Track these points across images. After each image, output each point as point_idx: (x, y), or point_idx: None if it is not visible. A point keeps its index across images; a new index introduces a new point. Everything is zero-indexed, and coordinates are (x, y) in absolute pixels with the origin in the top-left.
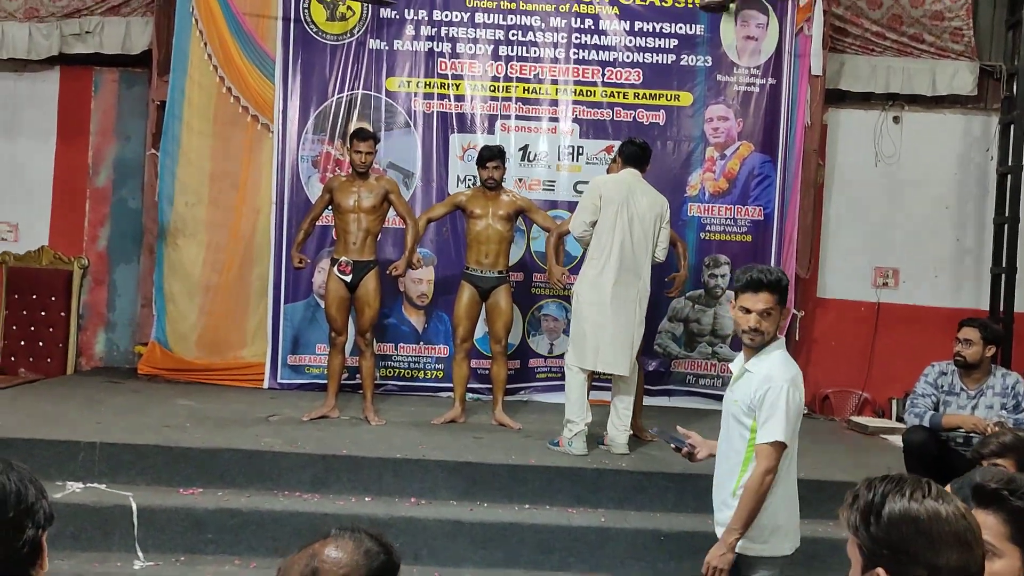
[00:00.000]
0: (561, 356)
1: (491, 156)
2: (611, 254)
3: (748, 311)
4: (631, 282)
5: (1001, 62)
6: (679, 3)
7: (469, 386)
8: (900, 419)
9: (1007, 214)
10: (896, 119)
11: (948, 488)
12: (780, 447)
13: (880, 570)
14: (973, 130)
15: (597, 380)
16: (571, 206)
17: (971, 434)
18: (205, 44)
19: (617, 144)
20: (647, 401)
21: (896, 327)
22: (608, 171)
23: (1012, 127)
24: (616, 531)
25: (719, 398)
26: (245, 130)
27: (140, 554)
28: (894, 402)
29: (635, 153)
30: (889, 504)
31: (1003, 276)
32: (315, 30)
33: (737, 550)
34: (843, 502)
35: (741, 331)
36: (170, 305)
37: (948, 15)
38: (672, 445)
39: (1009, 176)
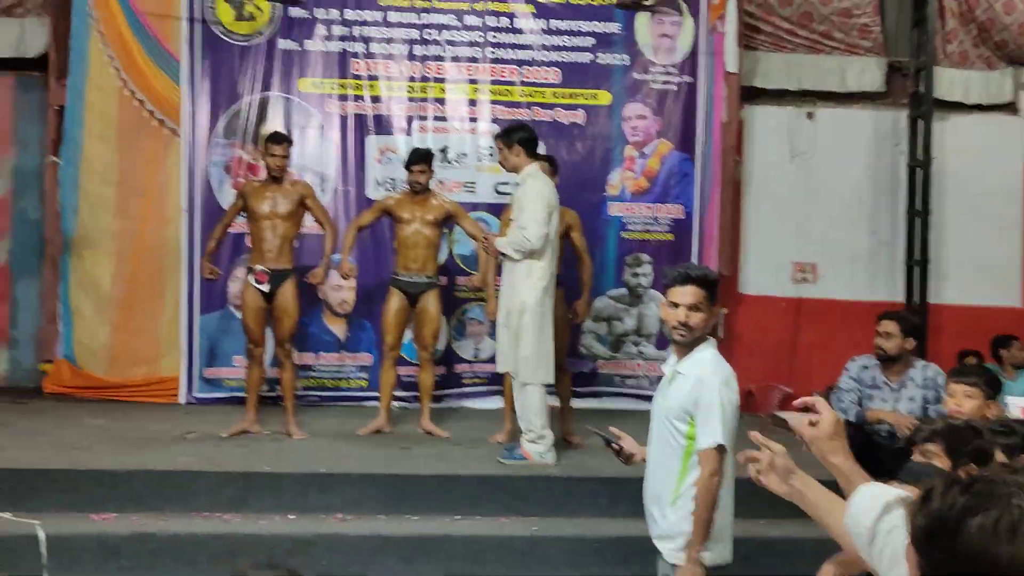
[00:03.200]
0: (487, 361)
1: (416, 160)
2: (553, 261)
3: (676, 305)
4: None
5: (908, 58)
6: (595, 1)
7: (394, 394)
8: None
9: (919, 207)
10: (810, 115)
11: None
12: (722, 450)
13: None
14: (883, 125)
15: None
16: (492, 208)
17: (895, 429)
18: (106, 46)
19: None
20: (575, 404)
21: (816, 321)
22: (509, 162)
23: (921, 121)
24: (548, 539)
25: (648, 398)
26: (151, 135)
27: None
28: (816, 396)
29: (535, 140)
30: (967, 527)
31: (917, 268)
32: (222, 30)
33: (676, 561)
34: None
35: (671, 327)
36: (77, 320)
37: (856, 12)
38: (613, 445)
39: (919, 170)
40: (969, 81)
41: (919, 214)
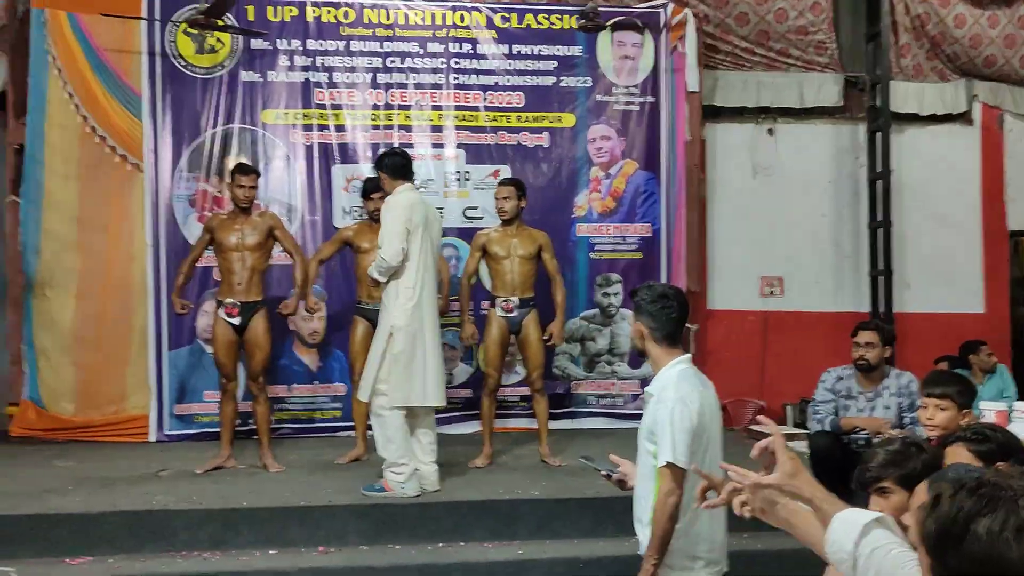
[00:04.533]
0: (460, 387)
1: (375, 187)
2: (424, 282)
3: None
4: (435, 308)
5: (864, 72)
6: (555, 25)
7: (369, 423)
8: (797, 424)
9: (880, 218)
10: (770, 131)
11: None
12: (673, 468)
13: None
14: (843, 139)
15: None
16: (462, 233)
17: (872, 435)
18: (65, 83)
19: (503, 168)
20: (552, 425)
21: (784, 334)
22: (384, 188)
23: (879, 135)
24: (534, 562)
25: (622, 417)
26: (113, 171)
27: None
28: (788, 408)
29: (406, 166)
30: (974, 529)
31: (881, 278)
32: (183, 64)
33: None
34: (922, 500)
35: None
36: (42, 360)
37: (812, 29)
38: (603, 472)
39: (879, 182)
40: (924, 93)
41: (880, 225)
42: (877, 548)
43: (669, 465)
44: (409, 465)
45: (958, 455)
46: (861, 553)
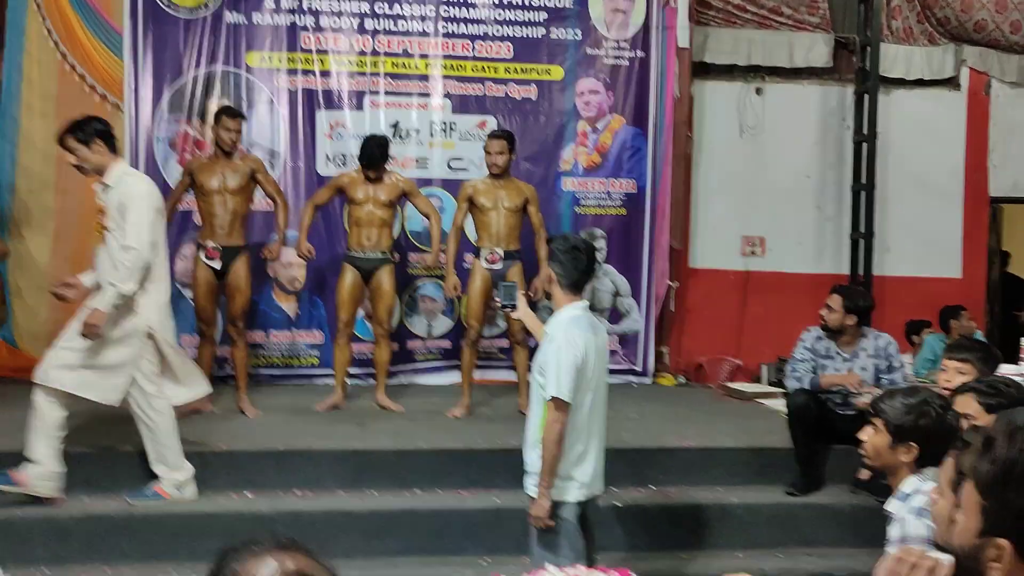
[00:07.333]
0: (440, 338)
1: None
2: (166, 269)
3: None
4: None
5: (854, 34)
6: None
7: (348, 371)
8: (772, 384)
9: (863, 181)
10: (758, 91)
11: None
12: (557, 401)
13: (1004, 542)
14: (830, 100)
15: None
16: (446, 184)
17: (849, 393)
18: (44, 18)
19: (490, 119)
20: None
21: (764, 294)
22: (91, 161)
23: (866, 97)
24: (511, 511)
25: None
26: (93, 110)
27: None
28: (765, 367)
29: (113, 134)
30: None
31: (861, 241)
32: (167, 3)
33: (531, 493)
34: (968, 444)
35: None
36: (17, 301)
37: None
38: (498, 301)
39: (864, 145)
40: (912, 57)
41: (863, 188)
42: None
43: (554, 399)
44: (186, 468)
45: (967, 405)
46: None
